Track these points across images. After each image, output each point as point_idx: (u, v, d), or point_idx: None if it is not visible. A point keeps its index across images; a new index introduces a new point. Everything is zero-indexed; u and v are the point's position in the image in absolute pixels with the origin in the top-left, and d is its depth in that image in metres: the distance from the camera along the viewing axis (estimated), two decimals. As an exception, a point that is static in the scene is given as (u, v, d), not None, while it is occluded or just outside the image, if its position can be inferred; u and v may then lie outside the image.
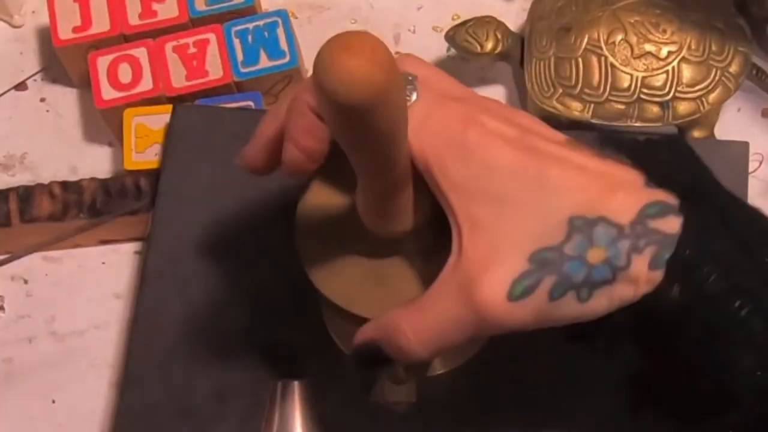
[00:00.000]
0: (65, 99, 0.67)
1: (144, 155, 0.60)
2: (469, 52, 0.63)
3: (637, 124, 0.60)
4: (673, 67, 0.60)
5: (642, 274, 0.37)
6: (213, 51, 0.62)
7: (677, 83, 0.59)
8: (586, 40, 0.60)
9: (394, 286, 0.43)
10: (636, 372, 0.41)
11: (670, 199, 0.38)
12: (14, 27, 0.69)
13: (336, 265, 0.44)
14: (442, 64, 0.66)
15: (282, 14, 0.63)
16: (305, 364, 0.53)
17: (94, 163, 0.64)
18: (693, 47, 0.60)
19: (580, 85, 0.60)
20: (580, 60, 0.60)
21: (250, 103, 0.61)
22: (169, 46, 0.62)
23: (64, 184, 0.60)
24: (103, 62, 0.62)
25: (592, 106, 0.60)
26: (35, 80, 0.67)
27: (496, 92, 0.65)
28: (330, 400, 0.50)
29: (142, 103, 0.61)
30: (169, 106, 0.60)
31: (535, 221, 0.38)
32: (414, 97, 0.40)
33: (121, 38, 0.63)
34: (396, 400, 0.47)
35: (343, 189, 0.45)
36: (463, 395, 0.52)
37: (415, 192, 0.41)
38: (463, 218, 0.39)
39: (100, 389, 0.58)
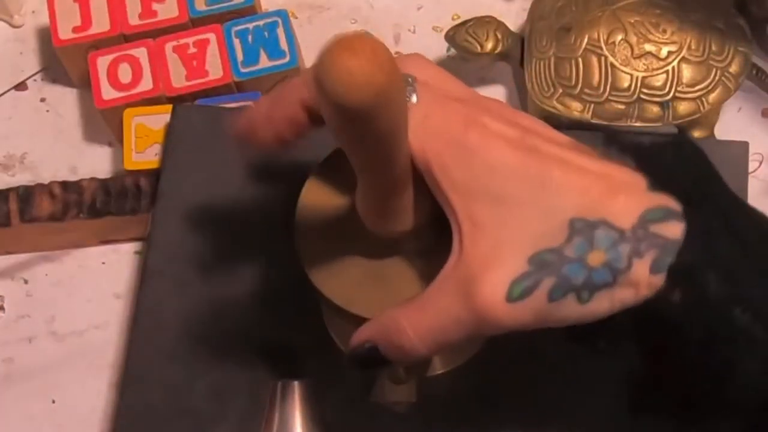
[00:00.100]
0: (65, 99, 0.67)
1: (144, 155, 0.60)
2: (469, 52, 0.63)
3: (637, 124, 0.60)
4: (673, 67, 0.60)
5: (643, 278, 0.37)
6: (213, 51, 0.62)
7: (677, 83, 0.59)
8: (586, 40, 0.60)
9: (394, 286, 0.43)
10: (637, 373, 0.41)
11: (673, 204, 0.38)
12: (14, 27, 0.69)
13: (336, 266, 0.44)
14: (442, 64, 0.66)
15: (282, 14, 0.63)
16: (305, 364, 0.53)
17: (94, 163, 0.64)
18: (693, 47, 0.60)
19: (580, 85, 0.60)
20: (580, 60, 0.60)
21: (250, 103, 0.61)
22: (169, 46, 0.62)
23: (64, 184, 0.60)
24: (103, 62, 0.62)
25: (592, 106, 0.60)
26: (35, 80, 0.67)
27: (496, 92, 0.65)
28: (330, 400, 0.50)
29: (142, 103, 0.61)
30: (169, 106, 0.60)
31: (535, 222, 0.38)
32: (414, 98, 0.39)
33: (121, 38, 0.63)
34: (396, 400, 0.47)
35: (342, 189, 0.45)
36: (463, 395, 0.52)
37: (415, 192, 0.41)
38: (463, 218, 0.39)
39: (100, 389, 0.58)
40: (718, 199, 0.40)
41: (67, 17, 0.63)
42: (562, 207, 0.38)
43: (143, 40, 0.62)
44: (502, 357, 0.51)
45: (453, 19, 0.67)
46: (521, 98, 0.64)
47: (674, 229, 0.37)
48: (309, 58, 0.65)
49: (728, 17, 0.61)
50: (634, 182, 0.39)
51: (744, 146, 0.57)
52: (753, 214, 0.40)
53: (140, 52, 0.62)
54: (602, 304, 0.38)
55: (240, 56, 0.62)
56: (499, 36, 0.63)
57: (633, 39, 0.60)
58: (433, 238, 0.43)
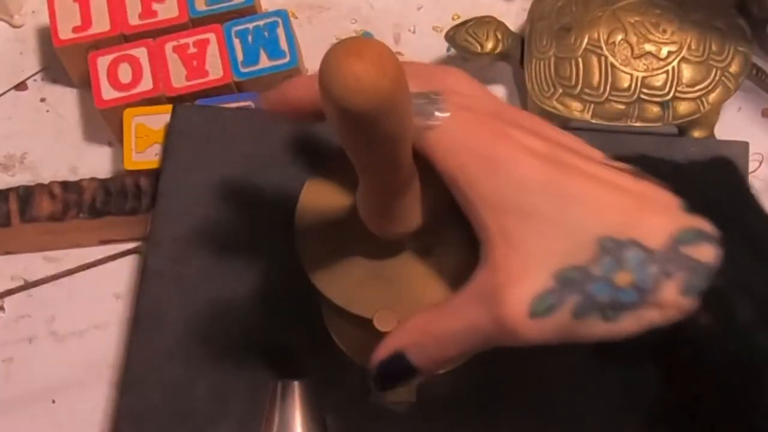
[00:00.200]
0: (65, 99, 0.67)
1: (144, 155, 0.60)
2: (469, 52, 0.63)
3: (637, 124, 0.60)
4: (673, 67, 0.60)
5: (671, 301, 0.36)
6: (213, 51, 0.62)
7: (677, 83, 0.59)
8: (586, 40, 0.60)
9: (394, 286, 0.43)
10: (658, 394, 0.41)
11: (707, 226, 0.37)
12: (14, 27, 0.69)
13: (336, 266, 0.44)
14: (442, 64, 0.66)
15: (282, 14, 0.63)
16: (305, 364, 0.53)
17: (94, 163, 0.64)
18: (693, 47, 0.60)
19: (580, 85, 0.60)
20: (580, 60, 0.60)
21: (250, 103, 0.61)
22: (169, 46, 0.62)
23: (64, 184, 0.60)
24: (103, 62, 0.62)
25: (592, 106, 0.60)
26: (35, 80, 0.67)
27: (496, 92, 0.65)
28: (330, 400, 0.50)
29: (142, 103, 0.61)
30: (169, 106, 0.60)
31: (563, 238, 0.37)
32: (438, 114, 0.39)
33: (121, 38, 0.63)
34: (396, 400, 0.47)
35: (343, 189, 0.45)
36: (463, 395, 0.52)
37: (416, 194, 0.41)
38: (494, 231, 0.38)
39: (100, 389, 0.58)
40: (753, 224, 0.39)
41: (67, 17, 0.63)
42: (591, 224, 0.37)
43: (143, 40, 0.62)
44: (503, 357, 0.51)
45: (453, 19, 0.67)
46: (521, 98, 0.64)
47: (707, 253, 0.37)
48: (309, 58, 0.65)
49: (728, 17, 0.61)
50: (667, 202, 0.38)
51: (744, 146, 0.57)
52: None
53: (140, 52, 0.62)
54: (628, 324, 0.37)
55: (240, 56, 0.62)
56: (499, 36, 0.63)
57: (633, 39, 0.60)
58: (433, 238, 0.43)
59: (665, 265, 0.36)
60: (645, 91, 0.59)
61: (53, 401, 0.58)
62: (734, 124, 0.63)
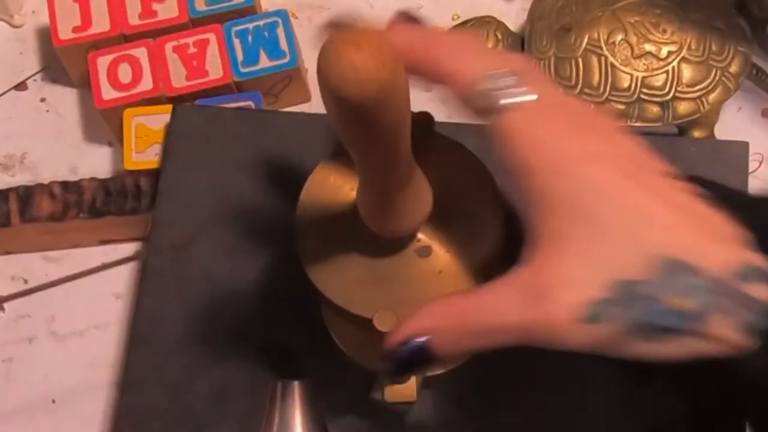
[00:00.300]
0: (65, 99, 0.67)
1: (144, 155, 0.60)
2: (469, 52, 0.63)
3: (637, 124, 0.60)
4: (673, 67, 0.60)
5: (722, 335, 0.36)
6: (213, 51, 0.62)
7: (677, 83, 0.59)
8: (586, 40, 0.60)
9: (394, 286, 0.43)
10: (679, 414, 0.40)
11: None
12: (14, 27, 0.69)
13: (336, 265, 0.44)
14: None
15: (282, 14, 0.63)
16: (305, 364, 0.53)
17: (94, 163, 0.64)
18: (693, 47, 0.60)
19: (580, 85, 0.60)
20: (580, 60, 0.60)
21: (250, 103, 0.61)
22: (169, 46, 0.62)
23: (64, 184, 0.60)
24: (103, 62, 0.62)
25: (592, 106, 0.60)
26: (35, 80, 0.67)
27: (496, 92, 0.65)
28: (330, 400, 0.50)
29: (142, 103, 0.61)
30: (169, 106, 0.60)
31: (622, 251, 0.36)
32: (522, 98, 0.38)
33: (121, 38, 0.63)
34: (396, 400, 0.47)
35: (343, 189, 0.45)
36: (463, 395, 0.52)
37: (415, 192, 0.41)
38: (547, 230, 0.37)
39: (100, 389, 0.58)
40: None
41: (67, 17, 0.63)
42: (654, 242, 0.36)
43: (143, 40, 0.62)
44: (503, 357, 0.51)
45: (453, 19, 0.67)
46: (521, 98, 0.64)
47: (763, 293, 0.36)
48: (309, 58, 0.65)
49: (728, 17, 0.61)
50: (734, 234, 0.37)
51: (744, 146, 0.57)
52: None
53: (140, 52, 0.62)
54: (671, 349, 0.36)
55: (240, 56, 0.62)
56: (499, 36, 0.63)
57: (633, 39, 0.60)
58: (433, 238, 0.43)
59: (721, 298, 0.36)
60: (645, 91, 0.59)
61: (53, 401, 0.58)
62: (734, 124, 0.63)
